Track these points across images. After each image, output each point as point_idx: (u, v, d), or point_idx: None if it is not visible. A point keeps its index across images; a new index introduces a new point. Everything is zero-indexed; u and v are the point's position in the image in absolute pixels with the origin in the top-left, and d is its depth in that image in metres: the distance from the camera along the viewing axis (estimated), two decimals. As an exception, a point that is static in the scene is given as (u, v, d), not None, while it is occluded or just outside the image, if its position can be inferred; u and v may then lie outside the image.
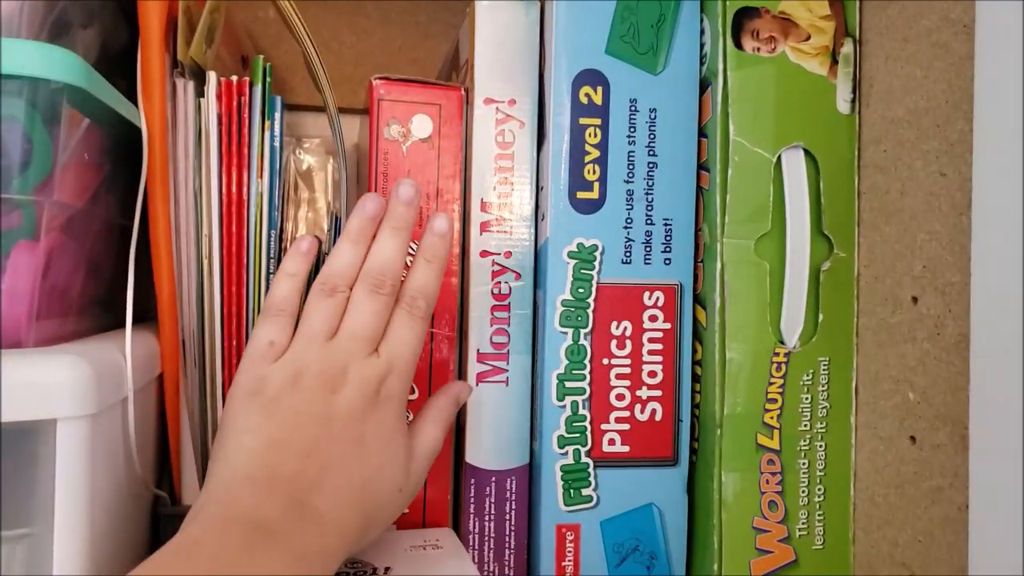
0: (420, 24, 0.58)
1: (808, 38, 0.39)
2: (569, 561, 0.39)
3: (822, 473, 0.39)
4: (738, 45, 0.38)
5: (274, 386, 0.31)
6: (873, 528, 0.38)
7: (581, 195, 0.38)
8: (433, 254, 0.34)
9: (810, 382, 0.39)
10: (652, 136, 0.39)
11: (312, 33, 0.43)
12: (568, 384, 0.39)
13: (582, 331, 0.39)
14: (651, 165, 0.39)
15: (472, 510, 0.40)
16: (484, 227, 0.40)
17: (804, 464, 0.39)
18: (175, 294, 0.39)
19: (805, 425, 0.39)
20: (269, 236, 0.41)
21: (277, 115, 0.41)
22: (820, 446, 0.39)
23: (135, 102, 0.37)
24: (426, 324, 0.34)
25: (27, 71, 0.29)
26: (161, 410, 0.39)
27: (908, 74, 0.36)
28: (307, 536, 0.27)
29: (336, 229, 0.44)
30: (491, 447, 0.40)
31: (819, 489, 0.39)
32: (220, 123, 0.39)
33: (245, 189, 0.40)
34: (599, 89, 0.38)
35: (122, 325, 0.36)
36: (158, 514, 0.39)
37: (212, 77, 0.39)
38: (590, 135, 0.38)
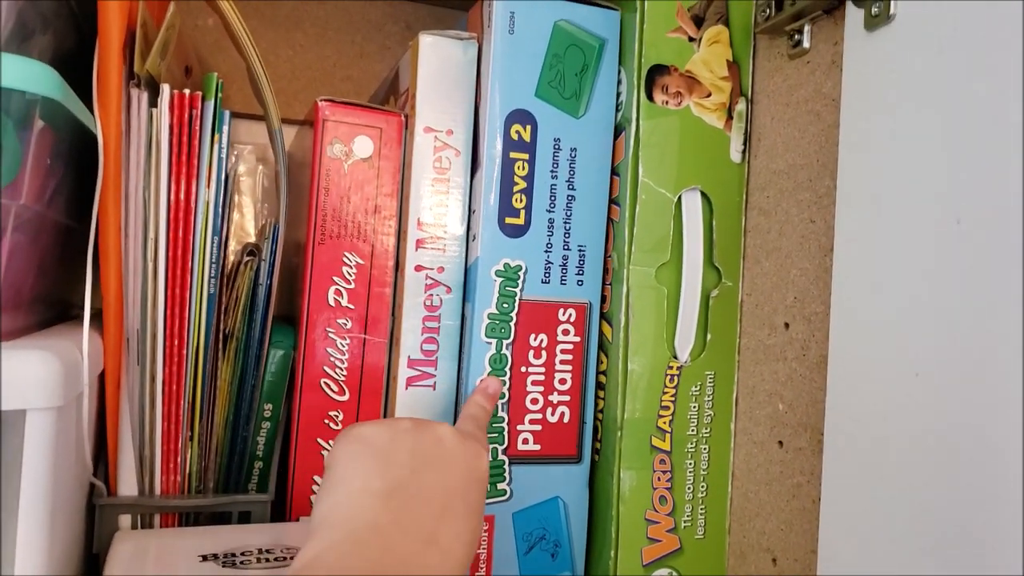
0: (355, 44, 0.61)
1: (709, 95, 0.45)
2: (483, 549, 0.43)
3: (705, 472, 0.45)
4: (650, 97, 0.44)
5: (383, 436, 0.33)
6: (746, 520, 0.44)
7: (509, 220, 0.43)
8: (486, 402, 0.42)
9: (698, 392, 0.45)
10: (572, 172, 0.44)
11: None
12: (489, 389, 0.43)
13: (504, 342, 0.43)
14: (570, 198, 0.44)
15: (397, 502, 0.43)
16: (419, 244, 0.44)
17: (691, 464, 0.45)
18: (121, 294, 0.40)
19: (692, 430, 0.45)
20: (213, 242, 0.43)
21: (225, 128, 0.43)
22: (704, 448, 0.45)
23: (91, 110, 0.39)
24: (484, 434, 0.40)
25: (6, 83, 0.31)
26: (101, 405, 0.41)
27: (788, 134, 0.43)
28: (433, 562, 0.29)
29: (274, 237, 0.47)
30: (417, 445, 0.43)
31: (702, 486, 0.45)
32: (171, 133, 0.41)
33: (193, 197, 0.42)
34: (528, 128, 0.43)
35: (60, 321, 0.38)
36: (93, 504, 0.41)
37: (165, 90, 0.41)
38: (519, 168, 0.43)
